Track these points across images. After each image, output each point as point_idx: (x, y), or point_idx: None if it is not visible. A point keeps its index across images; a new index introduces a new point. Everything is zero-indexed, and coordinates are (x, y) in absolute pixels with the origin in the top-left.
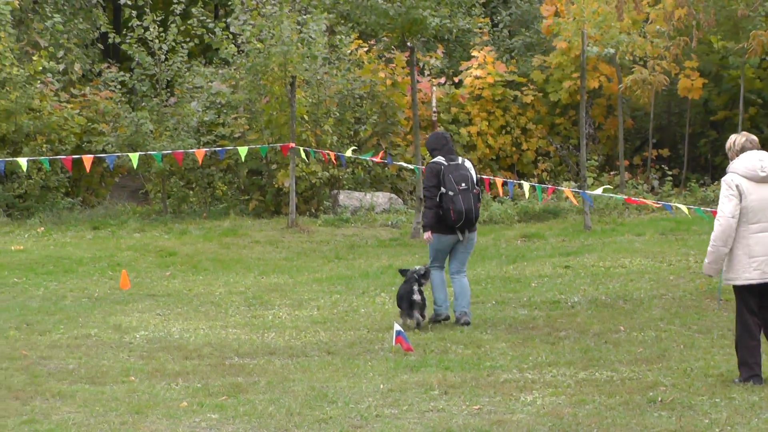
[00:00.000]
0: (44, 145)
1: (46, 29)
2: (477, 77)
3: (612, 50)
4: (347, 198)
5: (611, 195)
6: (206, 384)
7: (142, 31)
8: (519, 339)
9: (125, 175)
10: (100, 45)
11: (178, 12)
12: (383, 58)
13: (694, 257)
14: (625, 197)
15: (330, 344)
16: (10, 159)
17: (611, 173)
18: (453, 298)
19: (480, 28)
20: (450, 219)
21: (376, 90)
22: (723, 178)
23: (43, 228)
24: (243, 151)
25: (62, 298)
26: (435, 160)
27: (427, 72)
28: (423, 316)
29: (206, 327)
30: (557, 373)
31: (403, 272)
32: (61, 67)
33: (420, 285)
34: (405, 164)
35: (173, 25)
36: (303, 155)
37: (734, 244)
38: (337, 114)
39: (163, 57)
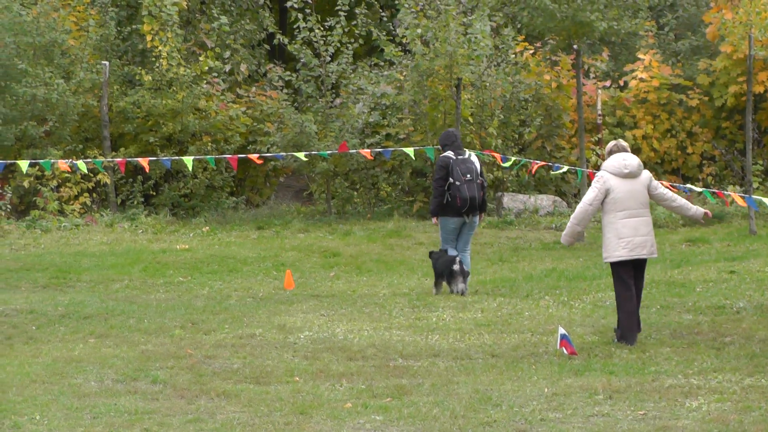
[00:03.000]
0: (210, 145)
1: (213, 30)
2: (642, 80)
3: None
4: (511, 200)
5: None
6: (370, 385)
7: (308, 32)
8: (684, 344)
9: (290, 175)
10: (266, 46)
11: (343, 13)
12: (549, 61)
13: None
14: None
15: (494, 347)
16: (177, 158)
17: None
18: None
19: (646, 31)
20: (457, 205)
21: (541, 92)
22: (597, 173)
23: (208, 227)
24: (409, 152)
25: (227, 297)
26: (445, 154)
27: (592, 75)
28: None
29: (370, 328)
30: (722, 379)
31: (433, 254)
32: (228, 67)
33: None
34: (570, 166)
35: (338, 26)
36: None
37: (607, 229)
38: (502, 116)
39: (328, 58)
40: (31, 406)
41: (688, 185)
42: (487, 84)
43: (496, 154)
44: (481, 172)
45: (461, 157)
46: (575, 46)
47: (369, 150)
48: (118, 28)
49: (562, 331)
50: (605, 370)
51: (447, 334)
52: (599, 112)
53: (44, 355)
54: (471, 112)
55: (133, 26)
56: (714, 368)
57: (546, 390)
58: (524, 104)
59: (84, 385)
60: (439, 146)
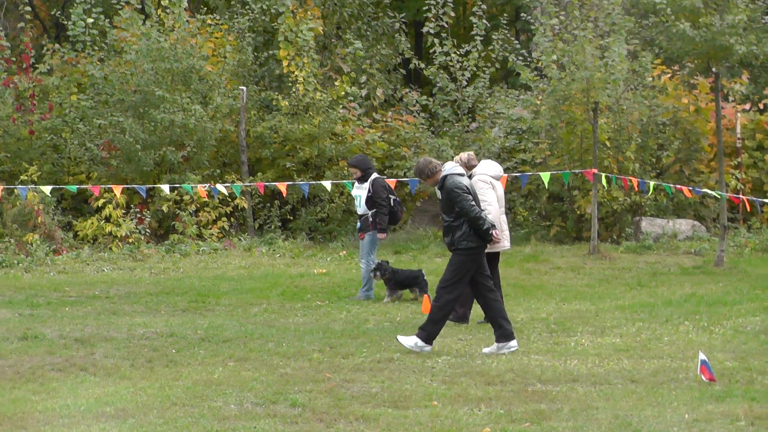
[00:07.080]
0: (346, 169)
1: (349, 55)
2: None
3: None
4: (649, 225)
5: None
6: (509, 410)
7: (444, 57)
8: None
9: (426, 199)
10: (401, 70)
11: (479, 37)
12: (687, 84)
13: None
14: None
15: (633, 372)
16: (315, 182)
17: None
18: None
19: None
20: (398, 218)
21: (679, 116)
22: (477, 179)
23: (345, 251)
24: (546, 176)
25: (364, 321)
26: (378, 176)
27: (731, 98)
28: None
29: (508, 353)
30: None
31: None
32: (364, 92)
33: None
34: (709, 191)
35: (474, 51)
36: (604, 181)
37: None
38: (639, 140)
39: (464, 82)
40: (172, 428)
41: None
42: (624, 108)
43: (633, 180)
44: None
45: (385, 178)
46: (714, 70)
47: (505, 175)
48: (255, 54)
49: (702, 356)
50: (747, 396)
51: (586, 359)
52: (739, 136)
53: (184, 378)
54: (608, 136)
55: (270, 52)
56: None
57: (687, 416)
58: (662, 128)
59: (224, 408)
60: (365, 170)
